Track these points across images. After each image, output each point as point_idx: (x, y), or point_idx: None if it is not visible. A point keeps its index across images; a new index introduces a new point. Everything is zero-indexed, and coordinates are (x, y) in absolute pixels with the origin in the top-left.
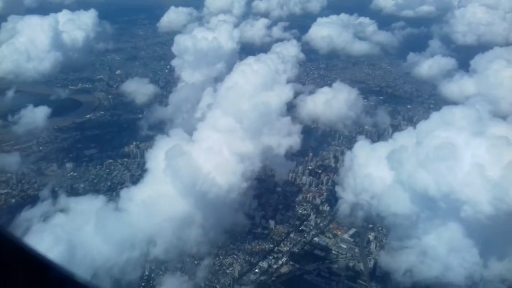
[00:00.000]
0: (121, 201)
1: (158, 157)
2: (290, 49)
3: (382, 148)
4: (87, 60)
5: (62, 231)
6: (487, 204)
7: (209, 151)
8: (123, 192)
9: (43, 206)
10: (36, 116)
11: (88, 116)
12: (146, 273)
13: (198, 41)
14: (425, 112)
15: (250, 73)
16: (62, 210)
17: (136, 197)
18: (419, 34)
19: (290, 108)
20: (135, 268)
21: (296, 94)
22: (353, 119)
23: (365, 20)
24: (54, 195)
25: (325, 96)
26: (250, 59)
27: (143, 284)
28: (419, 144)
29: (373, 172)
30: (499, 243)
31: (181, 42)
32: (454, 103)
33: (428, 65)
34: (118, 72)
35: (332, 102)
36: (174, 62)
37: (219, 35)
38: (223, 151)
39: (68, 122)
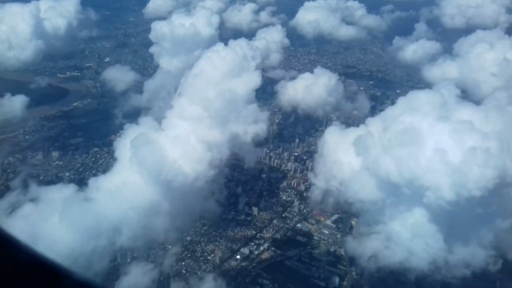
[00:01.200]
0: (89, 190)
1: (126, 146)
2: (275, 35)
3: (353, 133)
4: (75, 48)
5: (29, 221)
6: (448, 190)
7: (175, 139)
8: (91, 181)
9: (12, 196)
10: (21, 105)
11: (75, 104)
12: (113, 262)
13: (175, 28)
14: None
15: (217, 60)
16: (32, 200)
17: (104, 186)
18: (408, 18)
19: (276, 93)
20: (101, 257)
21: (281, 80)
22: (342, 105)
23: (354, 3)
24: (28, 184)
25: (313, 81)
26: (219, 46)
27: (109, 272)
28: (384, 129)
29: (342, 158)
30: (464, 228)
31: (158, 29)
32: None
33: (413, 49)
34: (107, 59)
35: (319, 87)
36: (152, 49)
37: (197, 21)
38: (189, 139)
39: (54, 111)
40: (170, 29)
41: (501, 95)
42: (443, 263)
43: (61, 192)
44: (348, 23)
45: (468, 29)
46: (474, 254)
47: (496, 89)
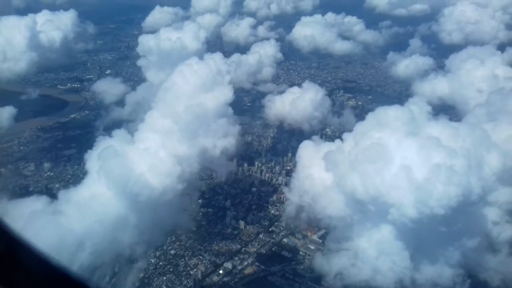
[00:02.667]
0: (59, 203)
1: (95, 159)
2: (268, 49)
3: (327, 148)
4: (77, 60)
5: None
6: (411, 207)
7: (143, 152)
8: (61, 194)
9: None
10: (18, 116)
11: (72, 115)
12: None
13: (162, 42)
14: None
15: (189, 74)
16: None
17: (73, 198)
18: (405, 33)
19: (264, 107)
20: None
21: (269, 94)
22: (338, 119)
23: (352, 19)
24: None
25: (306, 95)
26: (193, 60)
27: None
28: (353, 145)
29: (314, 173)
30: (431, 246)
31: (145, 43)
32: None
33: (405, 65)
34: (108, 71)
35: (313, 101)
36: (139, 62)
37: (184, 36)
38: (158, 152)
39: (52, 122)
40: (156, 43)
41: (481, 112)
42: (409, 282)
43: (32, 205)
44: (346, 37)
45: (466, 45)
46: (441, 273)
47: (477, 105)
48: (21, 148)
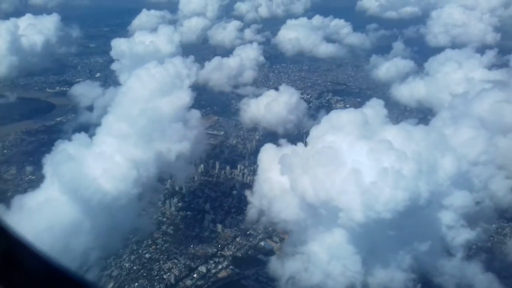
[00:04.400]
0: (13, 209)
1: (51, 163)
2: (250, 53)
3: (287, 151)
4: (68, 63)
5: None
6: (359, 211)
7: (98, 156)
8: (15, 199)
9: None
10: (3, 119)
11: (58, 119)
12: None
13: (135, 45)
14: (400, 114)
15: (147, 78)
16: None
17: (26, 204)
18: (391, 36)
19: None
20: None
21: (247, 97)
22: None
23: (339, 22)
24: None
25: (281, 98)
26: (152, 64)
27: None
28: (307, 148)
29: (273, 177)
30: (383, 250)
31: (118, 46)
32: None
33: (386, 68)
34: (98, 75)
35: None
36: (114, 66)
37: (158, 39)
38: (113, 156)
39: (37, 125)
40: (129, 47)
41: (446, 115)
42: (360, 287)
43: None
44: (331, 40)
45: (452, 48)
46: (393, 277)
47: (443, 109)
48: (5, 151)
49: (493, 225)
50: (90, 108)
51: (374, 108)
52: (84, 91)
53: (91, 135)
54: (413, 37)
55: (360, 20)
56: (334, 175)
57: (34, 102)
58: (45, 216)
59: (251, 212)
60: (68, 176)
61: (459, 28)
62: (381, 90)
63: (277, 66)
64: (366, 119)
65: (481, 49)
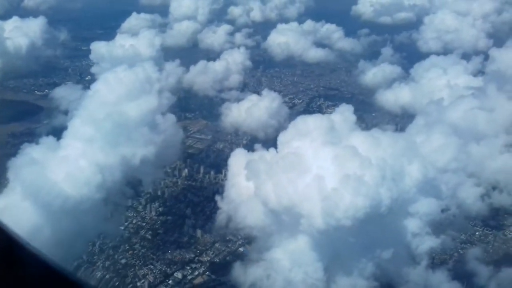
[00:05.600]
0: None
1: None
2: (237, 57)
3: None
4: (59, 65)
5: None
6: (319, 218)
7: (62, 160)
8: None
9: None
10: None
11: (45, 122)
12: None
13: (115, 48)
14: (390, 119)
15: (113, 82)
16: None
17: None
18: (383, 41)
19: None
20: None
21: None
22: None
23: (331, 26)
24: None
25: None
26: (121, 68)
27: None
28: (273, 154)
29: (241, 182)
30: (347, 258)
31: (98, 49)
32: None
33: (373, 73)
34: (88, 77)
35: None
36: (93, 69)
37: (139, 42)
38: (77, 160)
39: (22, 128)
40: (109, 50)
41: (421, 122)
42: None
43: None
44: (322, 45)
45: (444, 53)
46: (355, 285)
47: (418, 115)
48: None
49: (461, 233)
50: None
51: (344, 114)
52: (64, 94)
53: (59, 139)
54: (405, 43)
55: (354, 25)
56: (297, 181)
57: (22, 105)
58: (5, 221)
59: (220, 218)
60: (29, 180)
61: (451, 34)
62: (373, 96)
63: (270, 71)
64: (334, 125)
65: (469, 56)
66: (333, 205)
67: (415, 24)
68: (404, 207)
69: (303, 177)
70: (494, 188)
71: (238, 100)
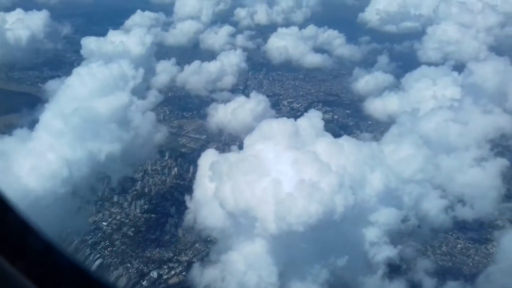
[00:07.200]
0: None
1: None
2: (232, 58)
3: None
4: (65, 59)
5: None
6: (272, 222)
7: (30, 152)
8: None
9: None
10: None
11: (31, 113)
12: None
13: (105, 44)
14: (378, 128)
15: (86, 78)
16: None
17: None
18: (382, 50)
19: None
20: None
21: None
22: None
23: (333, 32)
24: None
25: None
26: (96, 64)
27: None
28: (237, 156)
29: (206, 183)
30: (302, 263)
31: (87, 45)
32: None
33: (365, 81)
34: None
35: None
36: (83, 64)
37: (129, 40)
38: (45, 153)
39: (21, 119)
40: (99, 46)
41: (395, 131)
42: None
43: None
44: (321, 51)
45: (443, 64)
46: None
47: (394, 125)
48: None
49: (421, 244)
50: None
51: (311, 119)
52: (56, 87)
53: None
54: (404, 52)
55: (357, 32)
56: (255, 184)
57: (23, 96)
58: None
59: (188, 218)
60: None
61: (452, 45)
62: (363, 103)
63: (272, 74)
64: (301, 129)
65: (463, 67)
66: (286, 210)
67: (419, 34)
68: (364, 215)
69: (261, 180)
70: (459, 201)
71: (235, 101)
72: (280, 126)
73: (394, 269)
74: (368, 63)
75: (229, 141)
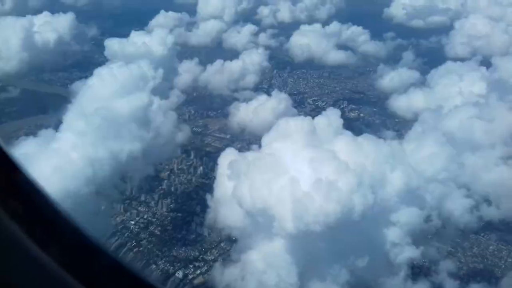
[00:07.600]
0: None
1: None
2: (255, 57)
3: (245, 158)
4: (93, 60)
5: None
6: (290, 221)
7: (54, 153)
8: None
9: None
10: (20, 113)
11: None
12: None
13: (128, 46)
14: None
15: (109, 78)
16: None
17: None
18: (408, 45)
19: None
20: None
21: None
22: None
23: (357, 29)
24: None
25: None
26: (119, 64)
27: None
28: (256, 155)
29: (225, 182)
30: (323, 263)
31: (111, 47)
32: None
33: (390, 78)
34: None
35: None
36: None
37: (151, 41)
38: (69, 154)
39: (49, 120)
40: (121, 48)
41: (418, 130)
42: None
43: None
44: (345, 48)
45: (470, 59)
46: None
47: (416, 123)
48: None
49: (451, 245)
50: None
51: (330, 118)
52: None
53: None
54: (431, 47)
55: (383, 28)
56: (272, 183)
57: (52, 97)
58: None
59: (210, 217)
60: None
61: (481, 40)
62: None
63: (296, 72)
64: (319, 128)
65: (490, 63)
66: (303, 209)
67: (447, 29)
68: (385, 215)
69: (278, 179)
70: (485, 200)
71: (258, 100)
72: (298, 124)
73: (417, 271)
74: (393, 60)
75: (253, 140)
